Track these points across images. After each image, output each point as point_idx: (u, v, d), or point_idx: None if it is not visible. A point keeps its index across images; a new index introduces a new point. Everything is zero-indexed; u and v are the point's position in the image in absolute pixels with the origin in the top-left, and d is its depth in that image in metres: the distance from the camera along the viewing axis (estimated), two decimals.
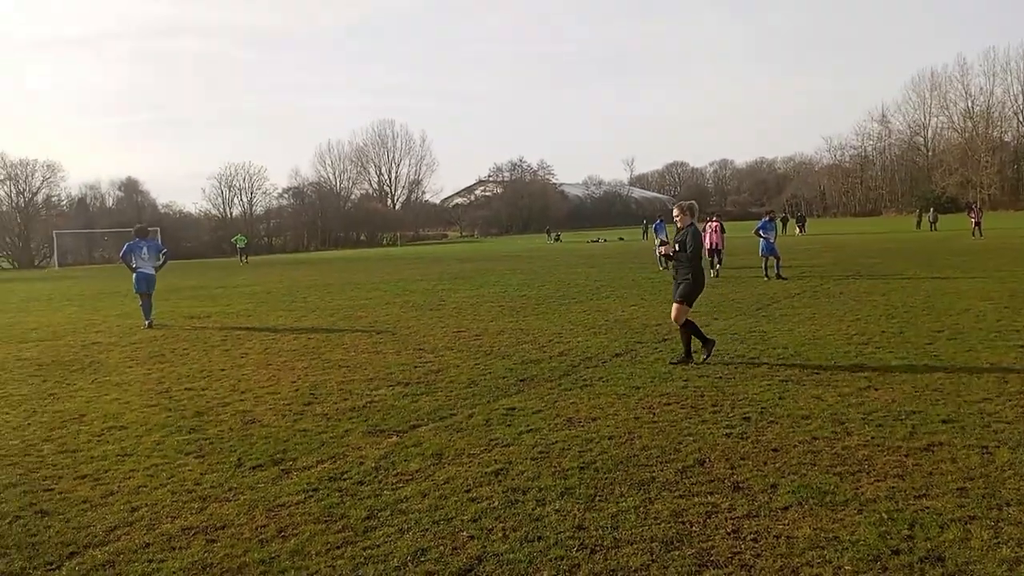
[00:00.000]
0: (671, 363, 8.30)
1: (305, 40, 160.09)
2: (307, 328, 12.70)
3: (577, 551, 3.76)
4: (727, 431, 5.67)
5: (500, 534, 4.00)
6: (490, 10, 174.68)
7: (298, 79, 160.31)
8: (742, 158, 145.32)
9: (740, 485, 4.57)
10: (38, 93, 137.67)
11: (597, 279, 20.85)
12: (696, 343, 8.45)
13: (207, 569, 3.72)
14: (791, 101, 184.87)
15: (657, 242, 9.11)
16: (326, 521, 4.27)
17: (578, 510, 4.27)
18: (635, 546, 3.79)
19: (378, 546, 3.91)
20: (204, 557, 3.84)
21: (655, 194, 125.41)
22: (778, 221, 37.93)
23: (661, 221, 25.73)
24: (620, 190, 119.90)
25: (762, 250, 18.92)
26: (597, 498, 4.44)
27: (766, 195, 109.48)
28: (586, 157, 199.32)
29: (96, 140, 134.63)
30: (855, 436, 5.45)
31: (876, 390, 6.78)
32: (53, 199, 77.79)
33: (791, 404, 6.38)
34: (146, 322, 13.89)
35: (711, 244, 20.49)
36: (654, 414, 6.26)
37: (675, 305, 8.47)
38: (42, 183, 75.53)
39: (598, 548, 3.79)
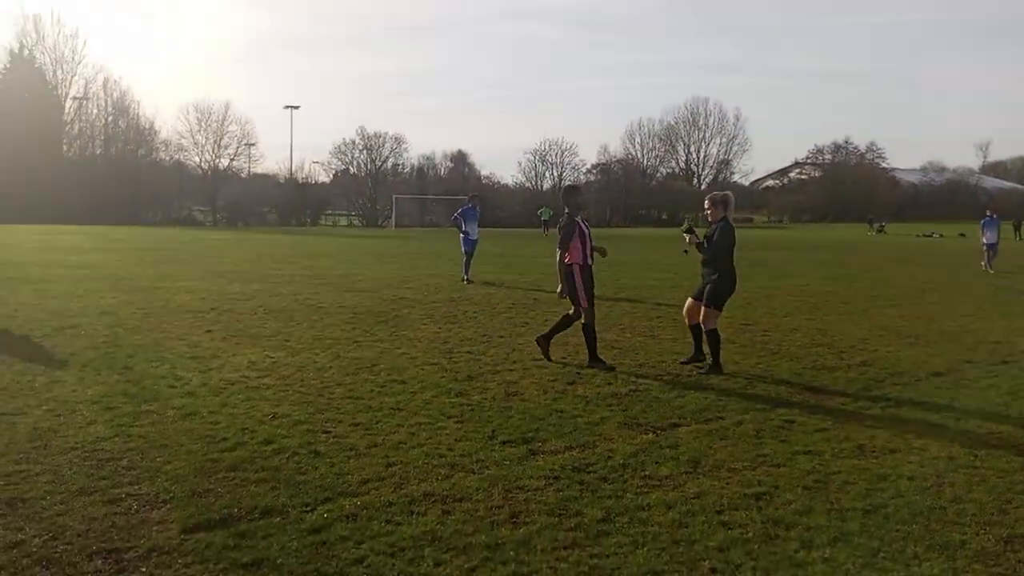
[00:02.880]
0: (699, 373, 7.31)
1: (622, 18, 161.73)
2: None
3: None
4: None
5: (749, 574, 3.41)
6: None
7: (614, 57, 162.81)
8: None
9: None
10: (390, 73, 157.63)
11: (923, 279, 18.06)
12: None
13: (436, 542, 3.68)
14: None
15: (686, 229, 7.35)
16: (560, 515, 4.03)
17: (853, 565, 3.50)
18: None
19: (607, 556, 3.57)
20: (436, 528, 3.83)
21: (1014, 185, 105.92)
22: None
23: (991, 217, 21.64)
24: (968, 178, 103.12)
25: None
26: (881, 554, 3.60)
27: None
28: (927, 140, 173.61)
29: (434, 115, 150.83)
30: None
31: None
32: (398, 167, 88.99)
33: None
34: (465, 277, 16.14)
35: None
36: (976, 456, 5.02)
37: (704, 309, 7.36)
38: (390, 153, 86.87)
39: None
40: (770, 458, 4.96)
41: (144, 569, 3.39)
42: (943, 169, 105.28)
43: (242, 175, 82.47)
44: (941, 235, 50.97)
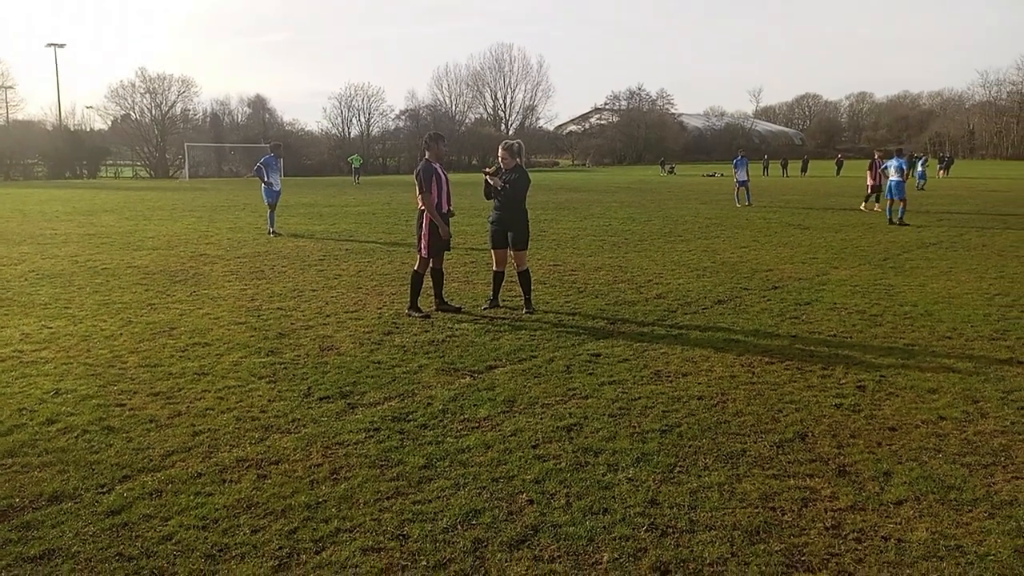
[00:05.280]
0: (526, 313, 7.75)
1: None
2: (404, 251, 12.60)
3: (646, 532, 3.33)
4: (837, 401, 5.02)
5: (563, 501, 3.62)
6: None
7: (420, 2, 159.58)
8: (883, 91, 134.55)
9: (846, 469, 3.98)
10: (178, 10, 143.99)
11: (708, 216, 19.76)
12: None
13: (251, 508, 3.54)
14: (943, 31, 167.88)
15: (494, 172, 7.98)
16: (381, 466, 4.03)
17: (653, 481, 3.83)
18: (713, 532, 3.32)
19: (430, 501, 3.62)
20: (251, 495, 3.68)
21: (781, 128, 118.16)
22: (918, 162, 35.09)
23: (743, 157, 23.99)
24: (743, 123, 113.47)
25: (889, 191, 17.39)
26: (677, 469, 3.97)
27: (906, 132, 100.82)
28: (709, 87, 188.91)
29: (229, 59, 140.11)
30: (991, 419, 4.68)
31: (1020, 364, 5.87)
32: (188, 112, 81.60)
33: (915, 374, 5.60)
34: (271, 231, 15.36)
35: (874, 180, 21.00)
36: (753, 374, 5.65)
37: (517, 253, 7.83)
38: (177, 97, 79.20)
39: (670, 531, 3.35)
40: (579, 391, 5.26)
41: None
42: (723, 114, 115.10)
43: None
44: (722, 175, 55.80)
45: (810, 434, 4.45)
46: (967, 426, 4.58)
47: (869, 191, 21.33)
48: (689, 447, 4.26)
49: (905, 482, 3.80)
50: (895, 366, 5.82)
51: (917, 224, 16.95)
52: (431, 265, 7.79)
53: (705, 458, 4.11)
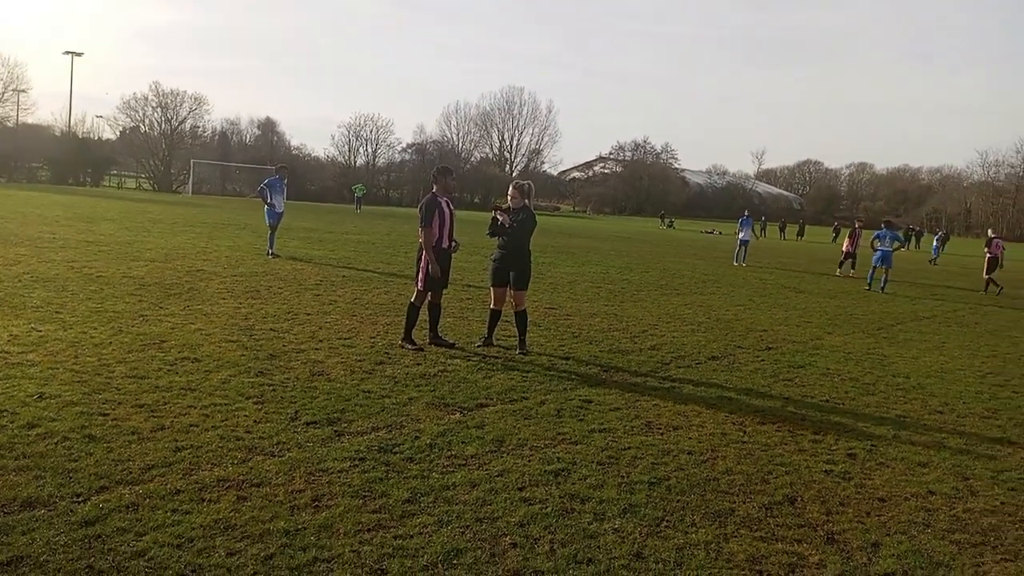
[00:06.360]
0: (520, 354, 7.70)
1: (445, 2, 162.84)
2: (400, 282, 12.58)
3: None
4: (827, 467, 4.97)
5: (547, 547, 3.55)
6: None
7: (434, 39, 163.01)
8: (883, 163, 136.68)
9: (835, 537, 3.92)
10: (192, 27, 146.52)
11: (705, 272, 19.85)
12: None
13: (228, 531, 3.46)
14: (946, 108, 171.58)
15: (505, 209, 7.91)
16: (364, 497, 3.95)
17: (640, 534, 3.76)
18: None
19: (411, 536, 3.55)
20: (229, 516, 3.60)
21: (781, 191, 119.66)
22: (934, 237, 36.00)
23: (748, 217, 24.42)
24: (744, 183, 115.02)
25: (876, 260, 17.78)
26: (664, 523, 3.91)
27: (904, 206, 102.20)
28: (713, 145, 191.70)
29: (241, 78, 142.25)
30: (981, 498, 4.64)
31: (1011, 444, 5.85)
32: (197, 129, 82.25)
33: (906, 446, 5.57)
34: (270, 252, 15.28)
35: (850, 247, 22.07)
36: (744, 433, 5.61)
37: (516, 292, 7.85)
38: (188, 114, 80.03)
39: None
40: (569, 436, 5.20)
41: None
42: (725, 173, 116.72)
43: (8, 124, 72.35)
44: (720, 232, 56.31)
45: (799, 498, 4.40)
46: (957, 503, 4.53)
47: (843, 256, 22.27)
48: (677, 502, 4.20)
49: (893, 555, 3.75)
50: (886, 437, 5.79)
51: (911, 296, 17.06)
52: (429, 299, 7.78)
53: (693, 514, 4.05)
